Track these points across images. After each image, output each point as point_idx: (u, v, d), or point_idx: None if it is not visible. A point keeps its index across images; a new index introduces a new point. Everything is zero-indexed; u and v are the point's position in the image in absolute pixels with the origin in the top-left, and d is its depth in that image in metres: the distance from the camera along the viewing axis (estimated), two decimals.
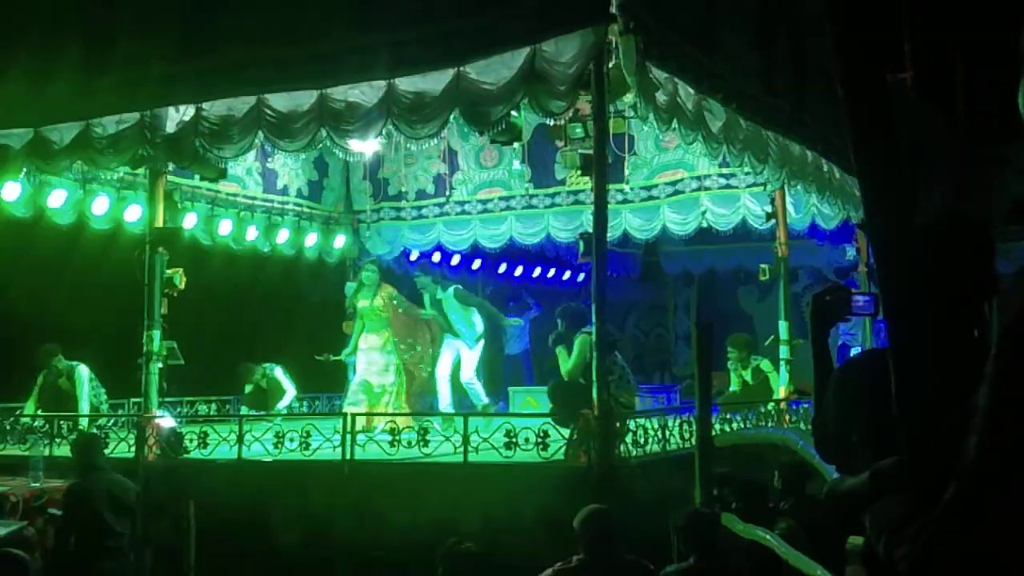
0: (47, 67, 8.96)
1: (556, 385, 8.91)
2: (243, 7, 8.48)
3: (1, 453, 9.30)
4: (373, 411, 10.22)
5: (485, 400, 11.30)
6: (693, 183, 11.88)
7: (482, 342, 11.52)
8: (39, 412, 10.08)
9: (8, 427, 9.73)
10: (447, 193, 13.24)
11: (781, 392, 10.90)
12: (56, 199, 10.53)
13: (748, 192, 11.61)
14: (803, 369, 10.62)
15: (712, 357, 7.32)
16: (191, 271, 9.42)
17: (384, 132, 8.38)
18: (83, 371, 10.36)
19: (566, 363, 8.77)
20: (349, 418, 8.40)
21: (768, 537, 5.74)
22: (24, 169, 9.56)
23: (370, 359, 10.86)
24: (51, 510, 7.47)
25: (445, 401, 11.36)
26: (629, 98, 7.72)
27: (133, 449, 8.81)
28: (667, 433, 8.26)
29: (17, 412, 10.03)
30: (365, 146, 9.25)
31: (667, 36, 7.68)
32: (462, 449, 7.90)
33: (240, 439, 8.59)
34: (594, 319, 7.58)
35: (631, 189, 11.96)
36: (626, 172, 11.68)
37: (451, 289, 11.44)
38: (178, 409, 10.81)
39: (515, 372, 14.64)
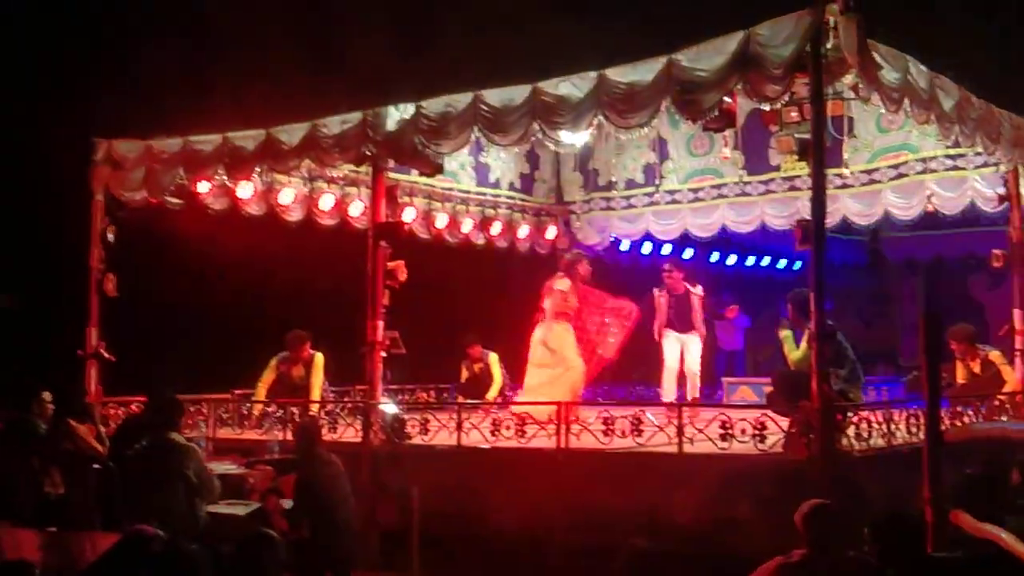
0: (279, 72, 9.49)
1: (782, 373, 8.67)
2: (460, 4, 8.72)
3: (239, 437, 9.89)
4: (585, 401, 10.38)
5: (696, 392, 11.57)
6: (917, 165, 11.33)
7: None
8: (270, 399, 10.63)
9: (244, 412, 10.33)
10: (657, 182, 13.16)
11: (1016, 384, 10.27)
12: (286, 197, 11.14)
13: (977, 174, 10.99)
14: None
15: (941, 349, 6.98)
16: (409, 264, 9.75)
17: (594, 123, 8.42)
18: (320, 359, 10.86)
19: (793, 350, 8.58)
20: (563, 407, 8.50)
21: (1003, 535, 5.43)
22: (257, 169, 10.14)
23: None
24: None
25: (671, 394, 11.46)
26: (849, 79, 7.45)
27: (360, 435, 9.20)
28: (892, 427, 7.95)
29: (252, 399, 10.64)
30: (576, 138, 9.31)
31: (895, 12, 7.38)
32: (676, 440, 7.86)
33: (459, 426, 8.84)
34: (813, 309, 7.38)
35: (851, 173, 11.51)
36: (845, 156, 11.25)
37: (698, 288, 11.98)
38: (399, 396, 11.21)
39: (729, 366, 14.50)
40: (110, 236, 10.81)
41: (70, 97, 11.27)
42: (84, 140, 10.82)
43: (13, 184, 11.83)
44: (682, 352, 11.64)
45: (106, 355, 10.71)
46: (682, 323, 11.71)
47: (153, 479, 7.02)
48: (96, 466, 8.02)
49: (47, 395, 8.55)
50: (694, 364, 11.69)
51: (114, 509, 7.49)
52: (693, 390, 11.66)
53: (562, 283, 11.26)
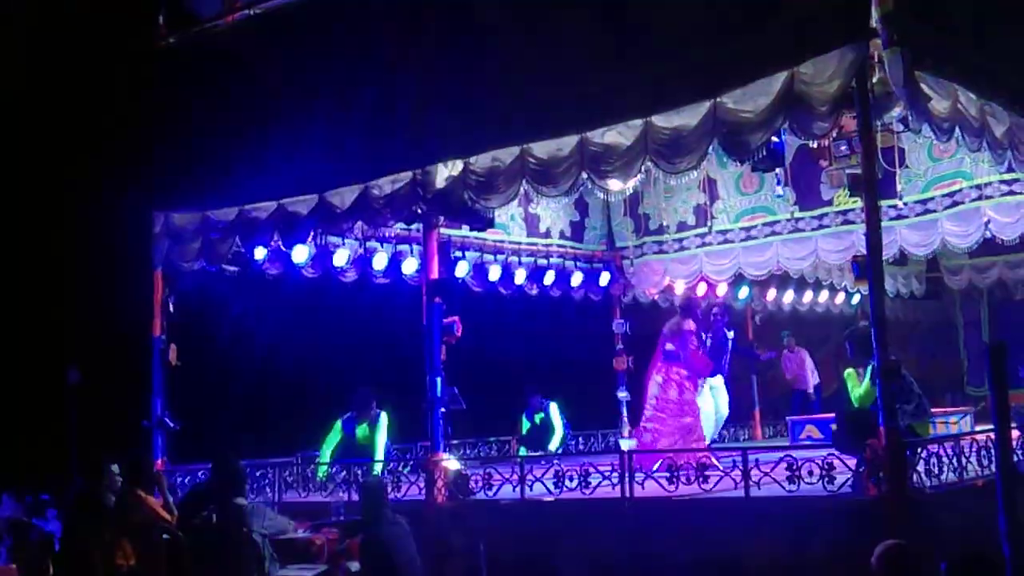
0: (330, 137, 9.60)
1: (846, 412, 8.53)
2: (507, 57, 8.77)
3: (305, 500, 9.92)
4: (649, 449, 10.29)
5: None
6: (973, 192, 11.19)
7: None
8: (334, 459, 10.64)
9: (308, 475, 10.35)
10: (708, 223, 13.13)
11: None
12: (340, 258, 11.27)
13: None
14: None
15: (1007, 376, 6.82)
16: (465, 317, 9.78)
17: (643, 169, 8.42)
18: (384, 418, 10.83)
19: (856, 388, 8.44)
20: (626, 456, 8.43)
21: None
22: (311, 232, 10.27)
23: None
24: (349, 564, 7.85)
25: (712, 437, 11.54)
26: (897, 111, 7.39)
27: (424, 492, 9.19)
28: (964, 460, 7.77)
29: (317, 461, 10.67)
30: (624, 184, 9.32)
31: (941, 41, 7.29)
32: (743, 484, 7.75)
33: (522, 479, 8.80)
34: (875, 344, 7.27)
35: (905, 204, 11.41)
36: (898, 186, 11.15)
37: (731, 332, 12.10)
38: (461, 451, 11.19)
39: (804, 405, 14.48)
40: (170, 306, 11.01)
41: (127, 172, 11.52)
42: (143, 213, 11.05)
43: (76, 258, 12.10)
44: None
45: (170, 424, 10.85)
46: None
47: (222, 547, 7.06)
48: (166, 536, 8.09)
49: (115, 467, 8.66)
50: (723, 407, 12.06)
51: None
52: (714, 433, 11.97)
53: (689, 324, 11.19)
